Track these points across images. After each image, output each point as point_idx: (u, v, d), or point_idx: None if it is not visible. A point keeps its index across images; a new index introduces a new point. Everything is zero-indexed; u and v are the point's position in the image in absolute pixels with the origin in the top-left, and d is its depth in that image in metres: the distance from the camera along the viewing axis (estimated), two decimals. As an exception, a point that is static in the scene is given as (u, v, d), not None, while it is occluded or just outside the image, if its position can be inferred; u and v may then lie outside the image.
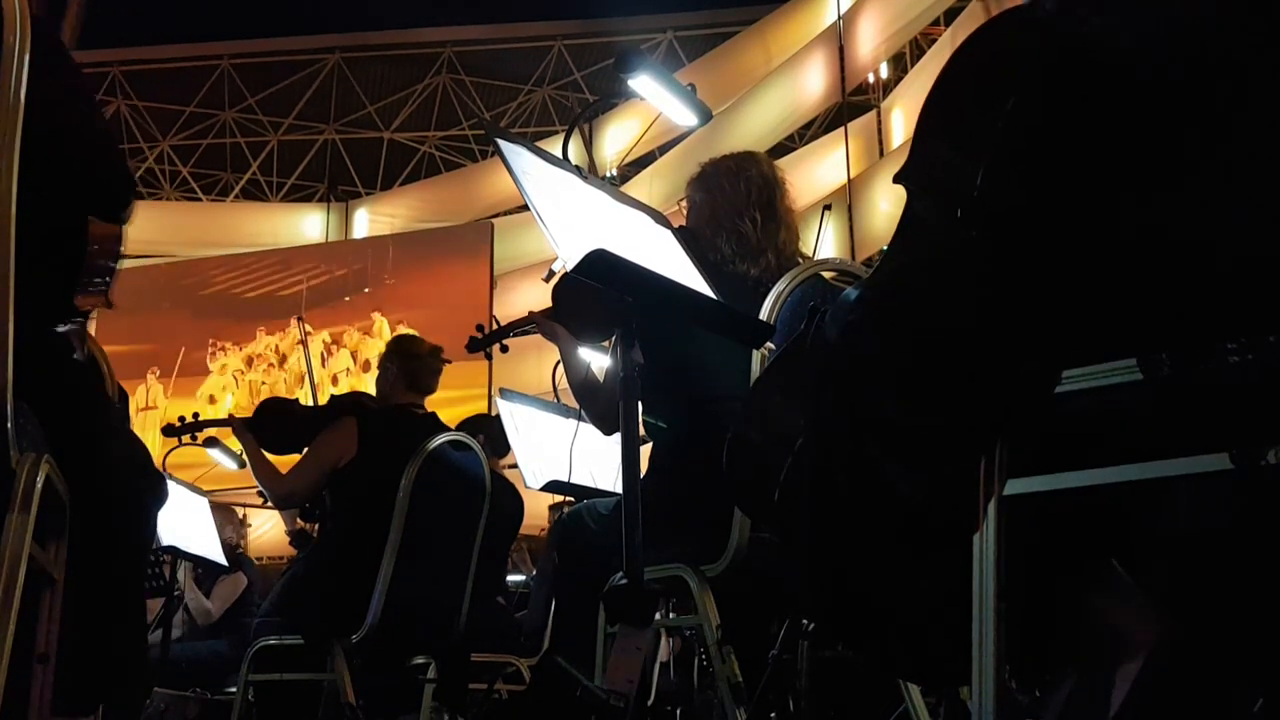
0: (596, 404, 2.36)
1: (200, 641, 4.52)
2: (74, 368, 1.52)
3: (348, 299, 11.79)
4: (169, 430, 3.69)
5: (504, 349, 2.84)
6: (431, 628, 2.90)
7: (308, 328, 10.50)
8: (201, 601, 4.71)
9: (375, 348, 11.09)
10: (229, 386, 11.57)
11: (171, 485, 3.29)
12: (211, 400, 11.41)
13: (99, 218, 1.52)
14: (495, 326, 2.84)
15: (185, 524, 3.88)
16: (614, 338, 1.62)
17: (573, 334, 2.41)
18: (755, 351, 1.95)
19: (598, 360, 2.53)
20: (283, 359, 11.57)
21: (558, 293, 2.35)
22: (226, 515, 5.13)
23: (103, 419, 1.57)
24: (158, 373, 11.59)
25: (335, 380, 11.29)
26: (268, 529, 8.59)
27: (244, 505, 5.99)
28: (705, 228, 2.29)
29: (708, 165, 2.40)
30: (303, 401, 4.76)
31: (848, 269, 2.17)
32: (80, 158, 1.49)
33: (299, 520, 4.43)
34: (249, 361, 11.65)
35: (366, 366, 11.08)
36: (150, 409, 11.18)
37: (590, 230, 1.61)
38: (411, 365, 3.21)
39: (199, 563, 4.28)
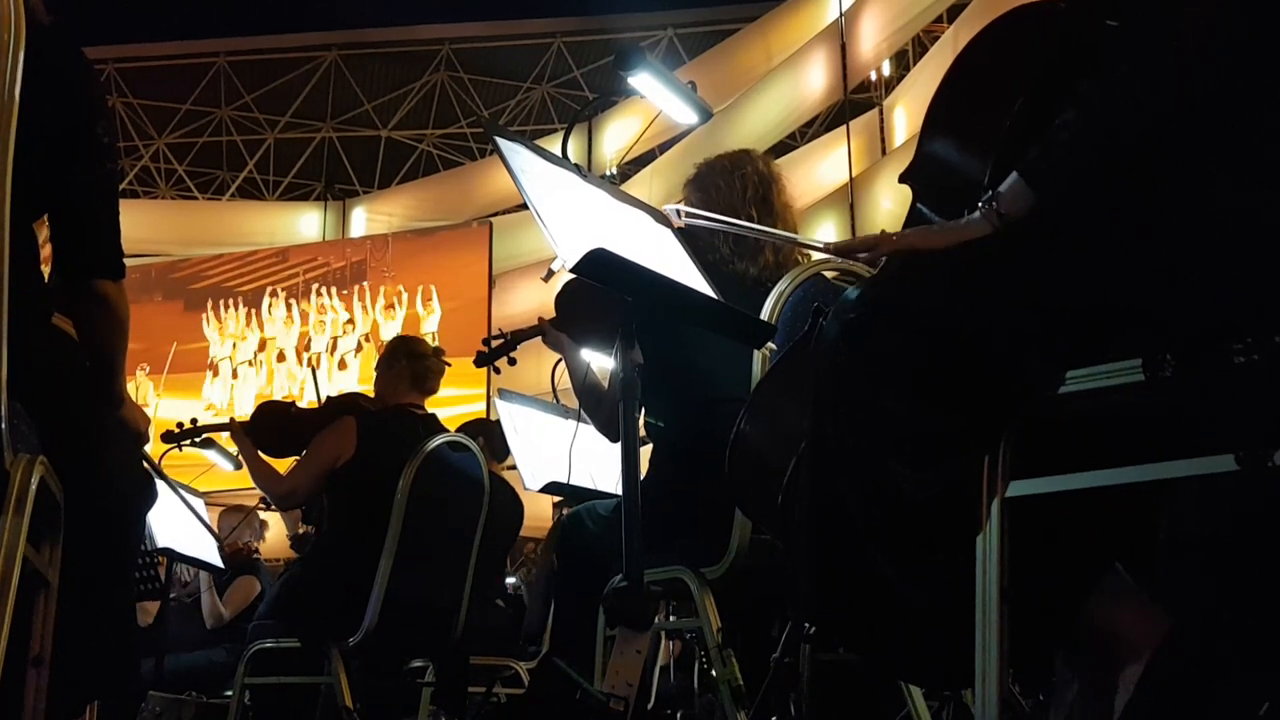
0: (602, 412, 2.35)
1: (198, 652, 4.47)
2: (68, 367, 1.51)
3: (346, 292, 11.76)
4: (168, 437, 3.67)
5: (512, 361, 2.75)
6: (429, 630, 2.89)
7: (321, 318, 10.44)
8: (216, 604, 4.64)
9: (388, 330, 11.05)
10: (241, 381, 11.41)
11: (167, 487, 3.29)
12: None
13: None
14: (497, 333, 2.80)
15: (182, 526, 3.85)
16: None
17: (576, 341, 2.40)
18: (757, 352, 1.94)
19: (600, 364, 2.50)
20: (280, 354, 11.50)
21: (561, 300, 2.34)
22: (248, 519, 5.03)
23: (97, 419, 1.56)
24: (148, 369, 11.48)
25: (344, 364, 11.23)
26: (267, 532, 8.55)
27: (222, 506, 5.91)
28: (702, 228, 2.28)
29: (702, 165, 2.39)
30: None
31: (850, 268, 2.15)
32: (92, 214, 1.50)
33: (300, 525, 4.39)
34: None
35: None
36: (141, 406, 11.06)
37: (590, 229, 1.60)
38: (418, 365, 3.20)
39: (194, 565, 4.26)
